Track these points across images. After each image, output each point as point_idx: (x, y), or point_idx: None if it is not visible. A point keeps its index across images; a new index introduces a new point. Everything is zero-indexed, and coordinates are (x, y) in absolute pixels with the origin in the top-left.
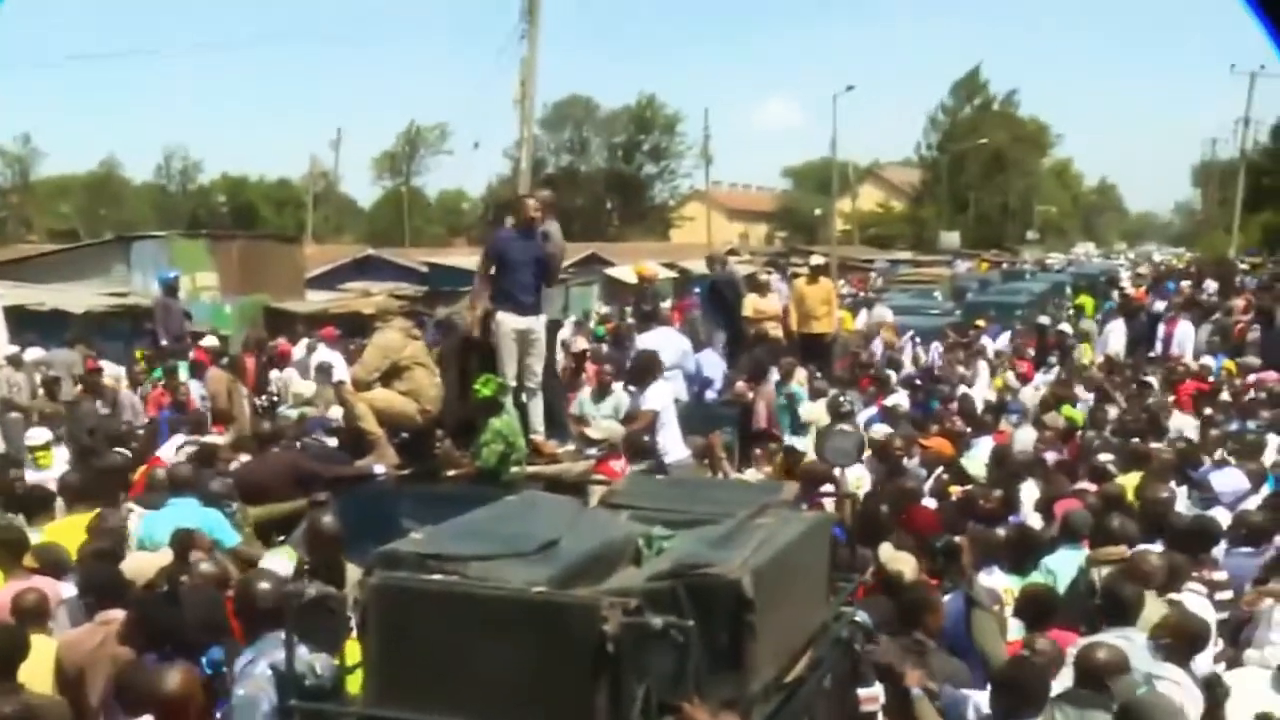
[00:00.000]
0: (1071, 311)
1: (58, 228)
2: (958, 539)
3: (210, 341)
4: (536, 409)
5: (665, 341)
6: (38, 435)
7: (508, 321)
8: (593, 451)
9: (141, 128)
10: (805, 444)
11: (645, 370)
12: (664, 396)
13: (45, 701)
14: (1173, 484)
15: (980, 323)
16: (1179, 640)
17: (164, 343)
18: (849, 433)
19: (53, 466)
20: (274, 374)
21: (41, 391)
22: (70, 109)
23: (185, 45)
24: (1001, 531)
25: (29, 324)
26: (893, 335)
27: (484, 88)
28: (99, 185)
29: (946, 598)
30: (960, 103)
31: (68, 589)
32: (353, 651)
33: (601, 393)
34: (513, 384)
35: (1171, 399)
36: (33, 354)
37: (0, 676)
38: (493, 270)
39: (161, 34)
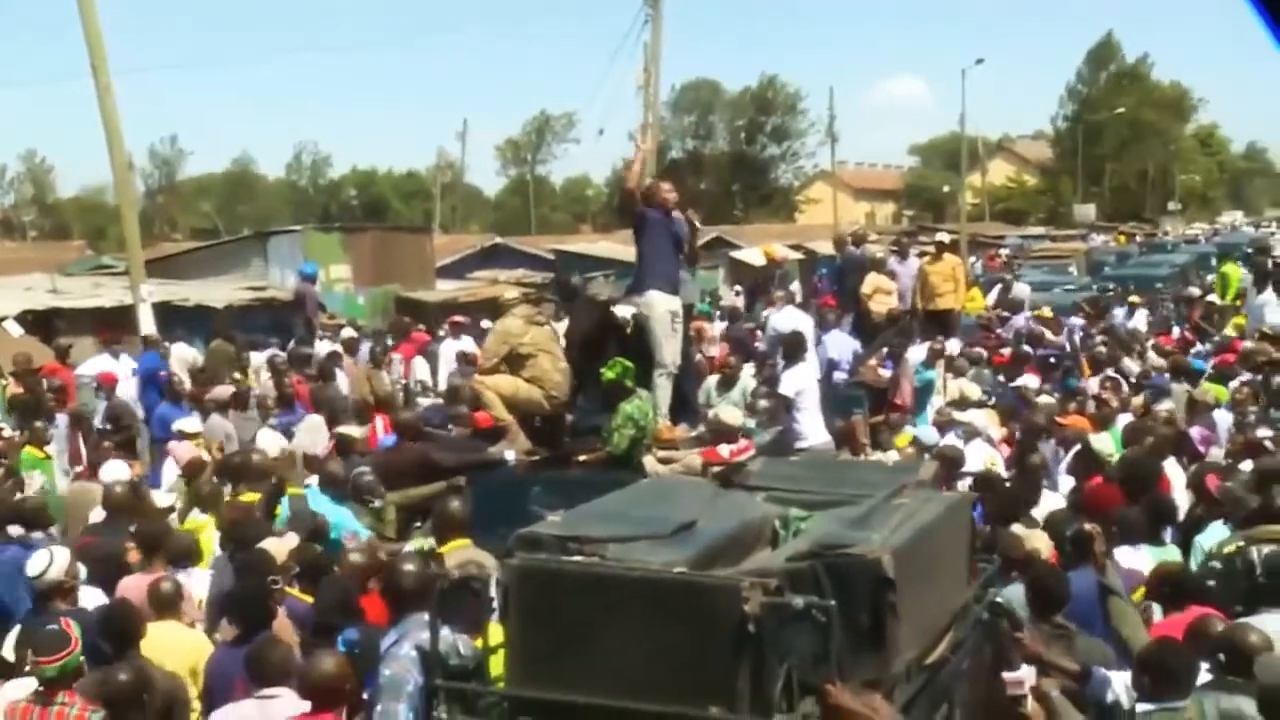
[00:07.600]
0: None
1: (200, 225)
2: (1087, 526)
3: (348, 333)
4: (665, 393)
5: (791, 322)
6: (188, 423)
7: (661, 301)
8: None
9: (274, 124)
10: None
11: (793, 351)
12: (802, 379)
13: (161, 674)
14: None
15: (1135, 299)
16: None
17: (315, 328)
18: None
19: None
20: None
21: (189, 384)
22: (207, 109)
23: (314, 45)
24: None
25: (175, 320)
26: (1054, 326)
27: (608, 75)
28: (235, 183)
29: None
30: (1094, 71)
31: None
32: (495, 633)
33: (727, 382)
34: (669, 366)
35: None
36: (178, 350)
37: (119, 648)
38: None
39: (292, 34)
